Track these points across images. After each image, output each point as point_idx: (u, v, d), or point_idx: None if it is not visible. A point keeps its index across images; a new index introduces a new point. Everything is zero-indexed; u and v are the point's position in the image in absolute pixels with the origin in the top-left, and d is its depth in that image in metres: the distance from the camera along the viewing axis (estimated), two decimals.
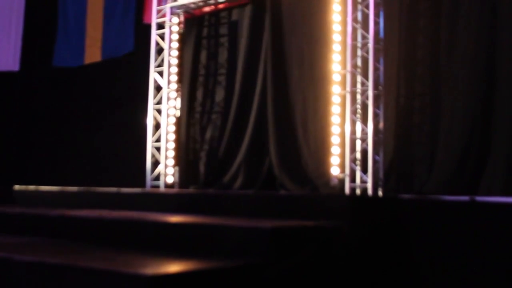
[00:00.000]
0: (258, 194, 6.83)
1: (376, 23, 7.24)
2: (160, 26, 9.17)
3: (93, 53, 10.59)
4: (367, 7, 7.27)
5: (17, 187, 9.33)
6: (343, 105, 7.30)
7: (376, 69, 7.17)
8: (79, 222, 5.83)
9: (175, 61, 9.03)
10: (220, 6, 9.24)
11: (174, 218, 5.59)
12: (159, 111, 9.03)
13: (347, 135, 7.20)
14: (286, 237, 4.78)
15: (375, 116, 7.11)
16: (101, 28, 10.50)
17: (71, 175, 10.64)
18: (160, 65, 9.08)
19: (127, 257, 4.45)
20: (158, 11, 9.18)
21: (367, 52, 7.21)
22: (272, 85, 8.70)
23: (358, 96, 7.26)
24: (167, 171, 8.84)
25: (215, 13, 9.47)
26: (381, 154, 7.12)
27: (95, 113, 10.85)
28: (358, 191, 7.11)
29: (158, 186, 8.85)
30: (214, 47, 9.50)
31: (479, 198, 5.89)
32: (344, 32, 7.41)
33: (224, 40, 9.41)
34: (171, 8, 9.06)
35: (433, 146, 7.35)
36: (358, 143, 7.21)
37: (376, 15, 7.24)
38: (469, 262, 5.62)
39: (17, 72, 11.47)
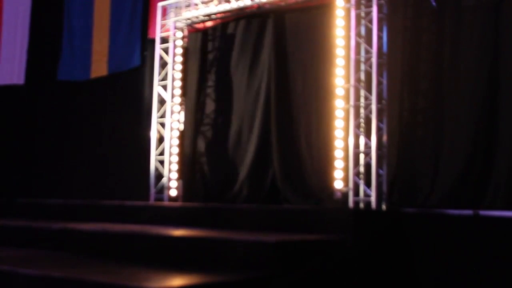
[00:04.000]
0: (262, 208, 6.84)
1: (380, 38, 7.27)
2: (164, 40, 9.22)
3: (99, 67, 10.65)
4: (370, 22, 7.31)
5: (20, 199, 9.34)
6: (346, 119, 7.31)
7: (379, 83, 7.19)
8: (83, 235, 5.84)
9: (179, 75, 9.08)
10: (224, 20, 9.28)
11: (178, 232, 5.59)
12: (162, 125, 9.05)
13: (350, 149, 7.20)
14: (290, 251, 4.78)
15: (379, 130, 7.12)
16: (107, 42, 10.57)
17: (75, 188, 10.66)
18: (164, 79, 9.12)
19: (131, 271, 4.45)
20: (162, 26, 9.23)
21: (371, 67, 7.23)
22: (275, 99, 8.72)
23: (362, 110, 7.27)
24: (170, 184, 8.85)
25: (219, 27, 9.51)
26: (384, 167, 7.12)
27: (99, 126, 10.88)
28: (361, 205, 7.10)
29: (161, 200, 8.85)
30: (217, 61, 9.53)
31: (483, 212, 5.89)
32: (347, 47, 7.43)
33: (227, 54, 9.43)
34: (175, 22, 9.11)
35: (437, 160, 7.35)
36: (362, 157, 7.21)
37: (380, 30, 7.27)
38: (473, 275, 5.61)
39: (22, 86, 11.54)
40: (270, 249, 4.60)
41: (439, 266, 5.80)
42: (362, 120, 7.25)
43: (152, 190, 8.91)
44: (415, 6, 7.70)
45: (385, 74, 7.28)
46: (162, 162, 8.96)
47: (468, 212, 5.95)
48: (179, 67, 9.09)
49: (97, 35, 10.72)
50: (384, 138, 7.16)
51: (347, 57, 7.41)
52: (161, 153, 8.99)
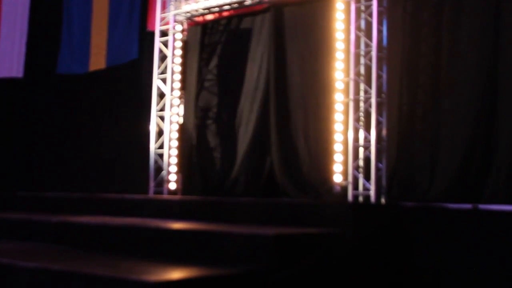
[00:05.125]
0: (261, 201, 6.85)
1: (379, 31, 7.26)
2: (164, 33, 9.20)
3: (98, 60, 10.63)
4: (370, 15, 7.30)
5: (20, 193, 9.35)
6: (346, 112, 7.31)
7: (379, 77, 7.18)
8: (82, 228, 5.85)
9: (178, 68, 9.07)
10: (223, 14, 9.27)
11: (177, 225, 5.60)
12: (162, 118, 9.05)
13: (350, 143, 7.21)
14: (289, 244, 4.79)
15: (378, 123, 7.12)
16: (105, 35, 10.55)
17: (74, 181, 10.67)
18: (164, 72, 9.11)
19: (130, 264, 4.46)
20: (162, 19, 9.21)
21: (370, 60, 7.22)
22: (274, 93, 8.71)
23: (361, 104, 7.27)
24: (170, 177, 8.85)
25: (218, 21, 9.50)
26: (383, 161, 7.12)
27: (98, 119, 10.88)
28: (360, 199, 7.11)
29: (161, 193, 8.85)
30: (217, 54, 9.52)
31: (482, 206, 5.89)
32: (347, 40, 7.42)
33: (226, 47, 9.42)
34: (175, 15, 9.09)
35: (436, 153, 7.35)
36: (361, 150, 7.22)
37: (379, 24, 7.26)
38: (472, 269, 5.62)
39: (21, 79, 11.52)
40: (269, 243, 4.61)
41: (438, 259, 5.81)
42: (361, 114, 7.25)
43: (152, 183, 8.92)
44: (415, 0, 7.69)
45: (384, 68, 7.27)
46: (161, 156, 8.96)
47: (467, 206, 5.96)
48: (178, 60, 9.08)
49: (96, 28, 10.70)
50: (384, 132, 7.16)
51: (347, 51, 7.40)
52: (161, 147, 8.99)
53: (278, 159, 8.56)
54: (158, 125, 9.07)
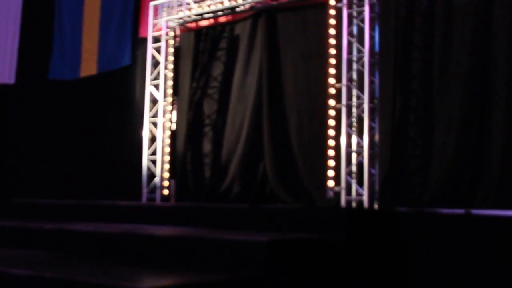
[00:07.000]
0: (254, 207, 6.85)
1: (372, 37, 7.29)
2: (156, 39, 9.21)
3: (89, 66, 10.60)
4: (362, 21, 7.32)
5: (13, 199, 9.31)
6: (338, 118, 7.33)
7: (371, 82, 7.21)
8: (75, 235, 5.82)
9: (171, 74, 9.07)
10: (216, 20, 9.28)
11: (170, 231, 5.59)
12: (154, 124, 9.05)
13: (342, 148, 7.22)
14: (282, 250, 4.79)
15: (371, 129, 7.14)
16: (97, 41, 10.53)
17: (67, 188, 10.63)
18: (156, 78, 9.11)
19: (123, 271, 4.45)
20: (154, 25, 9.22)
21: (363, 66, 7.25)
22: (267, 99, 8.72)
23: (354, 110, 7.29)
24: (162, 184, 8.84)
25: (211, 27, 9.51)
26: (376, 167, 7.14)
27: (91, 126, 10.85)
28: (353, 204, 7.12)
29: (154, 199, 8.84)
30: (210, 60, 9.53)
31: (475, 211, 5.91)
32: (339, 46, 7.45)
33: (219, 53, 9.44)
34: (167, 22, 9.10)
35: (428, 159, 7.37)
36: (354, 156, 7.23)
37: (372, 29, 7.29)
38: (465, 274, 5.64)
39: (12, 85, 11.49)
40: (262, 249, 4.60)
41: (431, 264, 5.82)
42: (354, 120, 7.27)
43: (145, 190, 8.91)
44: (407, 6, 7.73)
45: (377, 74, 7.30)
46: (154, 162, 8.95)
47: (460, 211, 5.97)
48: (171, 66, 9.08)
49: (87, 33, 10.68)
50: (376, 137, 7.18)
51: (339, 57, 7.42)
52: (153, 153, 8.98)
53: (271, 165, 8.55)
54: (151, 132, 9.07)
